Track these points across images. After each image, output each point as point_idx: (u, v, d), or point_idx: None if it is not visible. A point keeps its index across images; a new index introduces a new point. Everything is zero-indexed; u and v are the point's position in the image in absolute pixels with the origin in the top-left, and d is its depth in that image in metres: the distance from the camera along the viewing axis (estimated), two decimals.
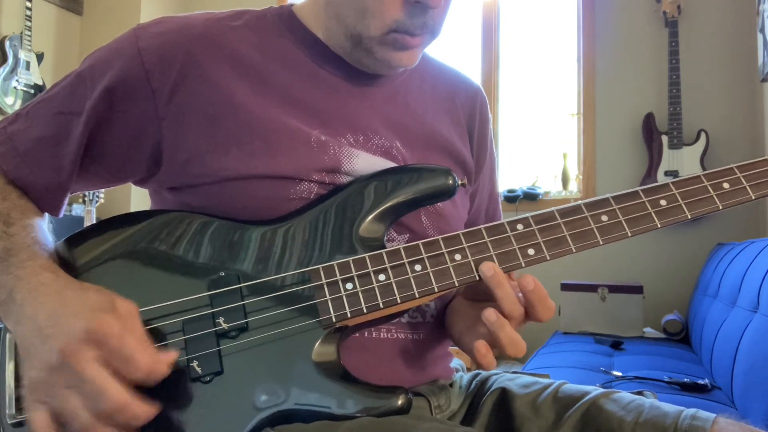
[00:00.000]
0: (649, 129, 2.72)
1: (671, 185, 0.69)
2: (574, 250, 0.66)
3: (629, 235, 0.67)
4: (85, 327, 0.55)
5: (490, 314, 0.63)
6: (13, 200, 0.69)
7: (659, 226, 0.67)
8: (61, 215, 0.75)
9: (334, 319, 0.63)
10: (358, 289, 0.64)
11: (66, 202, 0.75)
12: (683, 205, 0.68)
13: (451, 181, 0.69)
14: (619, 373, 1.63)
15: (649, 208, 0.68)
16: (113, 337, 0.55)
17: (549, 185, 3.04)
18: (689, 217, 0.68)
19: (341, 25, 0.72)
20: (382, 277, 0.64)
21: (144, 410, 0.56)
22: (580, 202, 0.69)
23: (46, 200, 0.72)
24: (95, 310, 0.57)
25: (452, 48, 3.30)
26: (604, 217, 0.67)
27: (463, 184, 0.72)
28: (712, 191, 0.68)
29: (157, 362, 0.57)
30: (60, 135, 0.70)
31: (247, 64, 0.72)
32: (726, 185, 0.69)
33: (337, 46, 0.75)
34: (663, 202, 0.68)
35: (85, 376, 0.54)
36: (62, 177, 0.71)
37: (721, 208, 0.68)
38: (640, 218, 0.67)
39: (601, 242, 0.66)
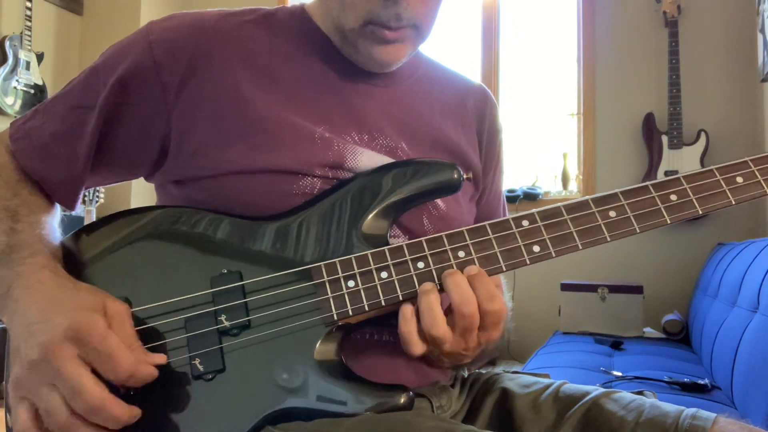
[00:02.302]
0: (649, 129, 2.72)
1: (682, 179, 0.67)
2: (580, 247, 0.65)
3: (637, 231, 0.65)
4: (68, 325, 0.54)
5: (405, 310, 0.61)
6: (24, 197, 0.70)
7: (669, 221, 0.65)
8: (76, 208, 0.76)
9: (335, 317, 0.62)
10: (360, 286, 0.63)
11: (81, 195, 0.76)
12: (694, 200, 0.66)
13: (455, 175, 0.68)
14: (619, 373, 1.63)
15: (659, 204, 0.66)
16: (95, 336, 0.54)
17: (549, 185, 3.04)
18: (700, 212, 0.66)
19: (329, 18, 0.73)
20: (384, 274, 0.64)
21: (123, 411, 0.55)
22: (587, 197, 0.67)
23: (61, 193, 0.74)
24: (82, 309, 0.56)
25: (452, 48, 3.30)
26: (612, 213, 0.66)
27: (468, 178, 0.71)
28: (725, 185, 0.66)
29: (141, 363, 0.56)
30: (74, 129, 0.71)
31: (256, 60, 0.73)
32: (740, 179, 0.67)
33: (334, 42, 0.76)
34: (673, 197, 0.66)
35: (64, 373, 0.54)
36: (77, 170, 0.72)
37: (734, 203, 0.66)
38: (649, 214, 0.66)
39: (609, 238, 0.65)
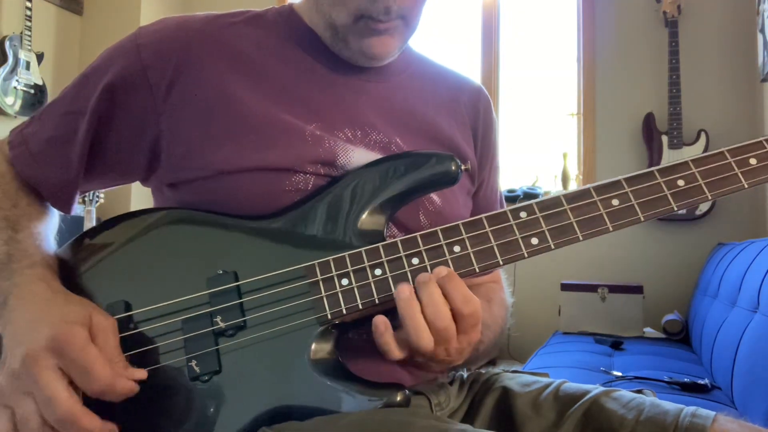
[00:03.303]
0: (649, 129, 2.72)
1: (690, 163, 0.63)
2: (581, 238, 0.62)
3: (642, 219, 0.62)
4: (50, 335, 0.56)
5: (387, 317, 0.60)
6: (23, 207, 0.71)
7: (676, 208, 0.62)
8: (72, 213, 0.77)
9: (329, 316, 0.62)
10: (354, 284, 0.62)
11: (76, 199, 0.77)
12: (703, 185, 0.62)
13: (453, 167, 0.67)
14: (619, 373, 1.62)
15: (665, 190, 0.62)
16: (74, 348, 0.55)
17: (549, 185, 3.03)
18: (710, 197, 0.62)
19: (320, 14, 0.73)
20: (378, 271, 0.63)
21: (94, 425, 0.56)
22: (589, 185, 0.64)
23: (57, 198, 0.74)
24: (67, 321, 0.57)
25: (452, 48, 3.30)
26: (615, 201, 0.63)
27: (466, 169, 0.70)
28: (736, 168, 0.62)
29: (119, 378, 0.57)
30: (67, 134, 0.72)
31: (244, 59, 0.73)
32: (753, 161, 0.63)
33: (324, 38, 0.76)
34: (681, 183, 0.63)
35: (40, 382, 0.55)
36: (71, 175, 0.73)
37: (746, 186, 0.62)
38: (655, 201, 0.62)
39: (611, 228, 0.62)
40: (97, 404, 0.57)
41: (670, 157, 2.64)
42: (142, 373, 0.59)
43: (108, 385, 0.56)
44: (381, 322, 0.60)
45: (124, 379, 0.57)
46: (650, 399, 0.71)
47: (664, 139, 2.66)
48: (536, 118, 3.19)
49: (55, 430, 0.56)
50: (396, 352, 0.61)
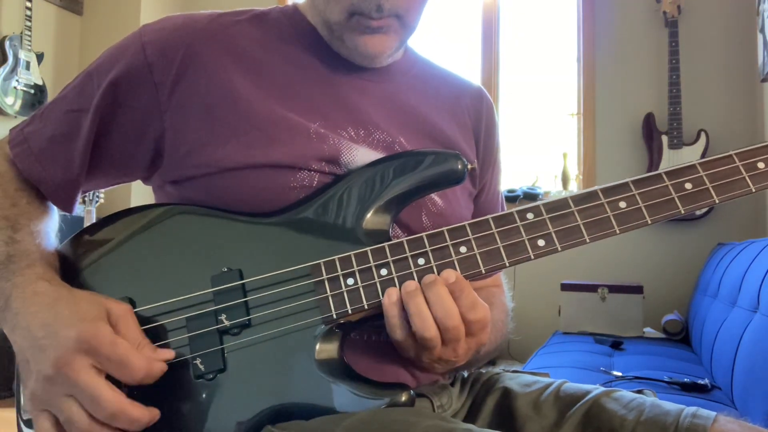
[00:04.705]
0: (649, 129, 2.72)
1: (698, 166, 0.63)
2: (587, 241, 0.62)
3: (649, 222, 0.62)
4: (77, 337, 0.56)
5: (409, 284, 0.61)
6: (23, 206, 0.70)
7: (683, 212, 0.62)
8: (74, 212, 0.77)
9: (335, 316, 0.62)
10: (360, 284, 0.62)
11: (78, 198, 0.76)
12: (711, 188, 0.62)
13: (459, 166, 0.67)
14: (619, 373, 1.63)
15: (673, 193, 0.62)
16: (105, 345, 0.56)
17: (549, 185, 3.03)
18: (717, 201, 0.62)
19: (316, 12, 0.74)
20: (384, 271, 0.63)
21: (142, 413, 0.57)
22: (596, 187, 0.64)
23: (59, 197, 0.74)
24: (87, 320, 0.58)
25: (452, 48, 3.30)
26: (623, 204, 0.62)
27: (473, 168, 0.70)
28: (744, 172, 0.62)
29: (153, 362, 0.58)
30: (70, 132, 0.72)
31: (248, 57, 0.73)
32: (761, 165, 0.62)
33: (324, 36, 0.76)
34: (688, 186, 0.62)
35: (80, 383, 0.56)
36: (73, 173, 0.72)
37: (754, 190, 0.62)
38: (662, 204, 0.62)
39: (618, 231, 0.62)
40: None
41: (670, 157, 2.64)
42: (170, 353, 0.61)
43: (146, 371, 0.57)
44: (394, 292, 0.61)
45: (156, 361, 0.59)
46: (651, 399, 0.71)
47: (664, 139, 2.67)
48: (536, 118, 3.19)
49: (104, 425, 0.57)
50: (399, 330, 0.61)
